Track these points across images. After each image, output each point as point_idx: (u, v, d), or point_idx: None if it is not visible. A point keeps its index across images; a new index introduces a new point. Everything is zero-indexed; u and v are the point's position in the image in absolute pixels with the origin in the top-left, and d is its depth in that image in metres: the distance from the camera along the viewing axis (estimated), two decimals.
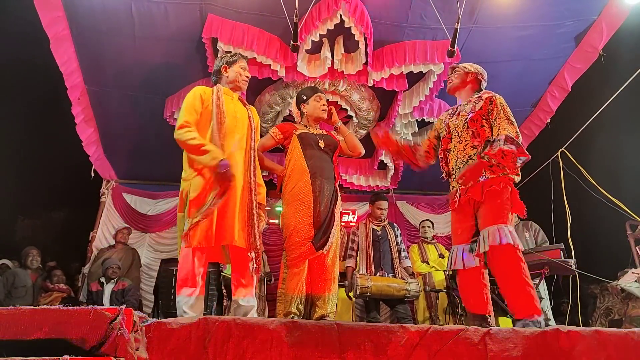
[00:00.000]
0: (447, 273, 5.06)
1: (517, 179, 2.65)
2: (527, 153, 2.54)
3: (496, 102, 2.68)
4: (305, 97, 3.20)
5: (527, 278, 2.42)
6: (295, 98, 3.34)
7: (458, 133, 2.79)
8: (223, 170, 2.45)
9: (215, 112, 2.61)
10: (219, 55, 3.02)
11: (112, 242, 6.29)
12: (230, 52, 4.49)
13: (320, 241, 2.82)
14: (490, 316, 2.58)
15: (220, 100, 2.66)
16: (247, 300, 2.57)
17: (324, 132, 3.23)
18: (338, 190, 3.06)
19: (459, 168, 2.73)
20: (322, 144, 3.08)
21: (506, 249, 2.44)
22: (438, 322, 4.73)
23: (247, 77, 2.89)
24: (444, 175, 2.94)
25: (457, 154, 2.78)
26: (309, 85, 4.65)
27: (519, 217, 5.08)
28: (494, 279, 2.62)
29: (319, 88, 3.50)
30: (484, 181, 2.61)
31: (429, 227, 5.56)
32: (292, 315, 2.72)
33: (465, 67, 2.94)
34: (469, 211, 2.68)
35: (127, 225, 6.43)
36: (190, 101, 2.63)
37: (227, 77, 2.82)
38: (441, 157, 2.92)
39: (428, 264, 5.21)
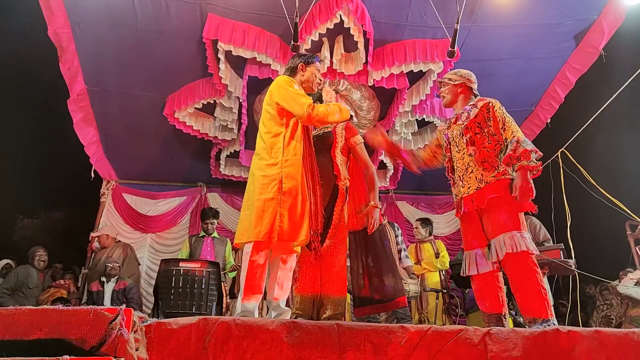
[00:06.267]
0: (442, 274, 5.05)
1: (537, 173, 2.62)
2: (539, 150, 2.55)
3: (495, 108, 2.72)
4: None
5: (541, 282, 2.47)
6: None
7: (456, 142, 2.84)
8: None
9: None
10: (295, 55, 2.98)
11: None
12: (235, 51, 4.53)
13: (315, 241, 2.73)
14: (505, 316, 2.62)
15: None
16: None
17: (324, 130, 3.03)
18: (341, 188, 2.90)
19: (460, 177, 2.78)
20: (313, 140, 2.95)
21: (521, 257, 2.47)
22: (429, 323, 4.71)
23: (321, 79, 2.90)
24: (450, 182, 2.98)
25: (456, 163, 2.84)
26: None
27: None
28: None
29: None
30: (484, 187, 2.63)
31: (416, 227, 5.40)
32: (295, 315, 2.71)
33: (451, 80, 2.95)
34: (475, 217, 2.72)
35: (99, 234, 6.13)
36: (296, 88, 2.72)
37: (303, 76, 2.82)
38: (448, 166, 2.97)
39: (421, 265, 5.11)
